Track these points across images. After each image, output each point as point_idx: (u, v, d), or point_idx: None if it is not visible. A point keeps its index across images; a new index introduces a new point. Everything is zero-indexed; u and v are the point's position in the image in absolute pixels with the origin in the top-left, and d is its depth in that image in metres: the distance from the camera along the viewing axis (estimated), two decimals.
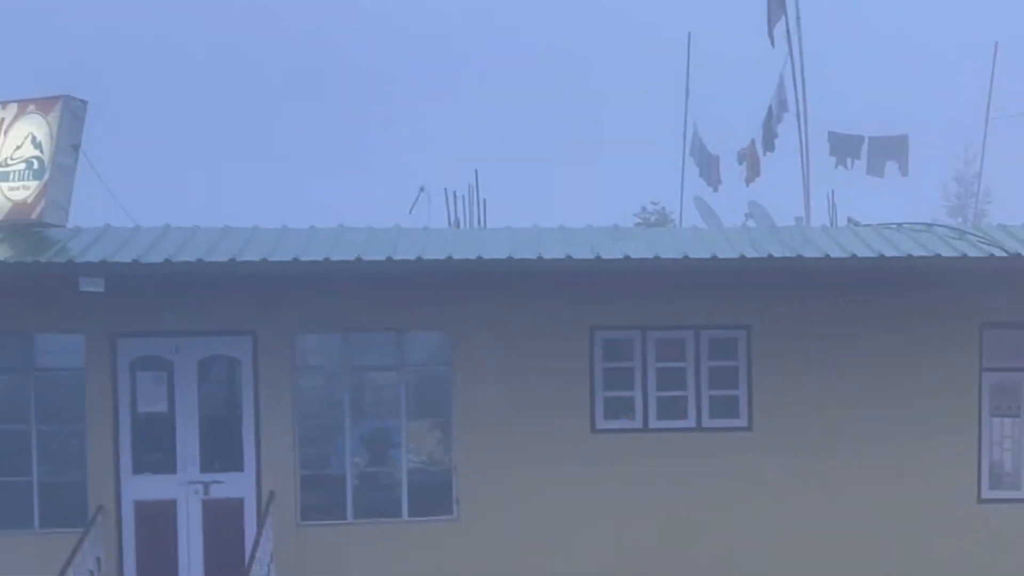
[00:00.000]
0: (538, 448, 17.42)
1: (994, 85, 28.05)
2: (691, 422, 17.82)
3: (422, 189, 23.09)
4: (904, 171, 26.53)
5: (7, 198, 17.10)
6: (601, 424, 17.68)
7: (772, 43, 25.86)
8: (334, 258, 15.95)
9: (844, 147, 26.66)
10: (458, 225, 22.06)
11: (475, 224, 22.28)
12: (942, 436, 17.87)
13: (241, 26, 64.26)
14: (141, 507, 17.40)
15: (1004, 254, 17.00)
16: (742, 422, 17.83)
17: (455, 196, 22.30)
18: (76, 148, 17.20)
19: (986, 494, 18.12)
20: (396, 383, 17.87)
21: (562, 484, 17.39)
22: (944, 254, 16.98)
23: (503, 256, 16.28)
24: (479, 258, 16.18)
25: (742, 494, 17.65)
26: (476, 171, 22.83)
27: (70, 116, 17.18)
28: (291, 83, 63.18)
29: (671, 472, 17.60)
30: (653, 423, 17.76)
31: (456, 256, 16.27)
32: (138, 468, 17.47)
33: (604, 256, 16.44)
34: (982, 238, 18.07)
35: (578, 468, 17.45)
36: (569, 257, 16.29)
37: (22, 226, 16.92)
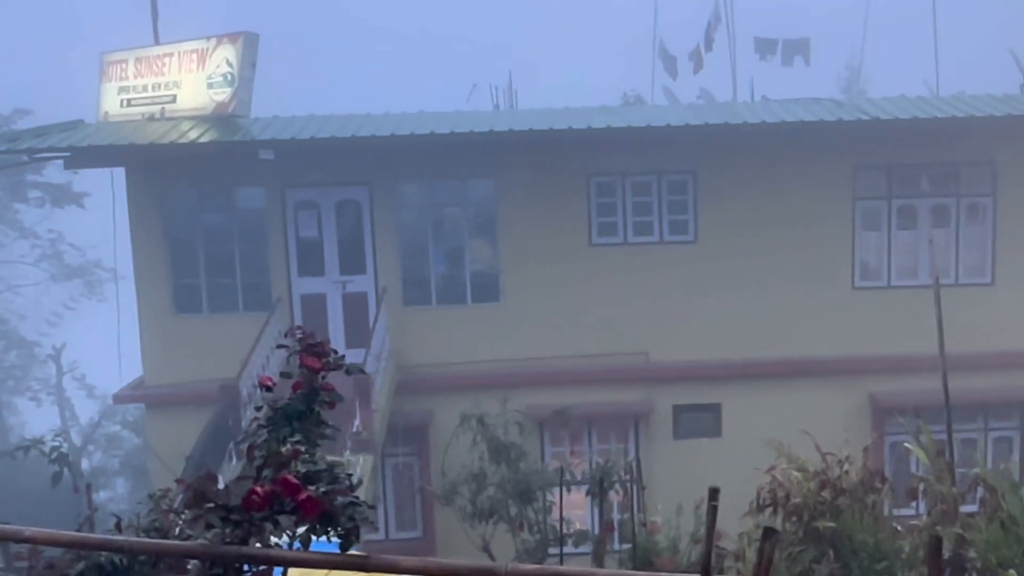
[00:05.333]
0: (555, 256, 18.97)
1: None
2: (655, 238, 19.29)
3: (475, 85, 24.29)
4: (807, 63, 27.60)
5: (212, 99, 18.93)
6: (596, 240, 19.25)
7: None
8: (416, 132, 17.66)
9: (765, 47, 27.63)
10: (498, 108, 23.24)
11: (510, 107, 23.25)
12: (830, 243, 19.24)
13: None
14: (305, 298, 19.30)
15: (867, 117, 18.37)
16: (690, 238, 19.29)
17: (497, 89, 23.44)
18: (253, 65, 18.92)
19: (858, 284, 19.54)
20: (461, 214, 19.45)
21: (572, 280, 18.98)
22: (826, 118, 18.45)
23: (526, 128, 17.95)
24: (510, 130, 17.93)
25: (690, 286, 19.06)
26: (510, 72, 24.00)
27: (249, 44, 18.86)
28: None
29: (642, 272, 19.03)
30: (631, 239, 19.27)
31: (495, 129, 18.00)
32: (301, 273, 19.26)
33: (594, 126, 18.05)
34: (854, 107, 19.35)
35: (581, 269, 19.02)
36: (570, 127, 17.92)
37: (222, 118, 18.80)
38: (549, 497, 15.05)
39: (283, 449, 5.05)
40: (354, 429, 15.29)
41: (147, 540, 5.62)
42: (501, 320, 19.08)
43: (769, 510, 12.19)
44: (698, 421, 19.51)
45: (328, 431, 5.53)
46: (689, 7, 28.96)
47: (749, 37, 27.97)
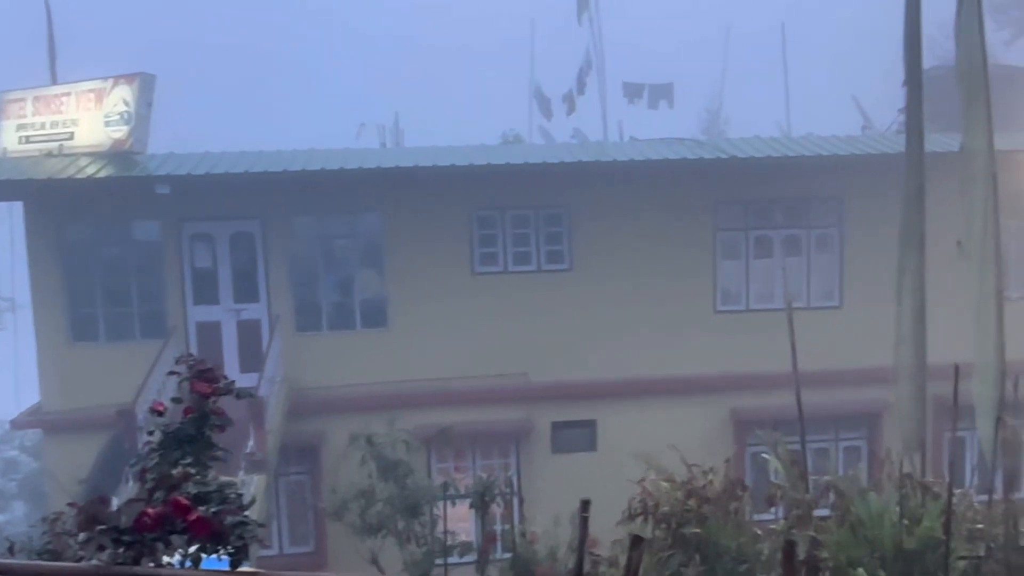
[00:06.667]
0: (440, 284, 18.88)
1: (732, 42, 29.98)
2: (533, 267, 19.34)
3: (362, 124, 24.25)
4: (671, 106, 27.98)
5: (110, 137, 18.56)
6: (478, 269, 19.20)
7: (579, 23, 27.19)
8: (307, 168, 17.53)
9: (633, 91, 27.98)
10: (385, 146, 23.19)
11: (396, 145, 23.21)
12: (694, 270, 19.49)
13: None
14: (200, 325, 18.85)
15: (726, 156, 18.72)
16: (566, 266, 19.37)
17: (384, 128, 23.34)
18: (150, 104, 18.62)
19: (719, 308, 19.87)
20: (351, 245, 19.21)
21: (456, 306, 18.89)
22: (688, 157, 18.71)
23: (411, 165, 17.87)
24: (396, 167, 17.84)
25: (566, 311, 19.17)
26: (396, 112, 23.99)
27: (145, 84, 18.57)
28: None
29: (521, 298, 19.10)
30: (511, 268, 19.26)
31: (382, 165, 17.90)
32: (196, 301, 18.79)
33: (475, 163, 18.05)
34: (714, 147, 19.64)
35: (465, 296, 18.98)
36: (453, 165, 17.90)
37: (119, 154, 18.39)
38: (435, 511, 14.93)
39: (174, 472, 4.93)
40: (248, 450, 14.98)
41: (39, 562, 5.41)
42: (389, 345, 18.91)
43: (640, 518, 12.27)
44: (575, 436, 19.50)
45: (218, 453, 5.42)
46: (562, 53, 29.42)
47: (618, 82, 28.41)
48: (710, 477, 12.59)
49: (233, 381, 5.55)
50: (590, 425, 19.50)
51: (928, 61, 12.91)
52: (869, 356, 18.75)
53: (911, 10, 10.08)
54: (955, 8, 9.69)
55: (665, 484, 12.45)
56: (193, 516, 4.59)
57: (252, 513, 5.16)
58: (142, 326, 18.75)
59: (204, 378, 5.41)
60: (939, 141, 17.06)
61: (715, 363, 19.27)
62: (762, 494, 13.31)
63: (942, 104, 17.10)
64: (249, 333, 18.90)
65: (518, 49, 30.24)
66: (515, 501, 13.89)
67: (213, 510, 4.70)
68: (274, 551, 18.35)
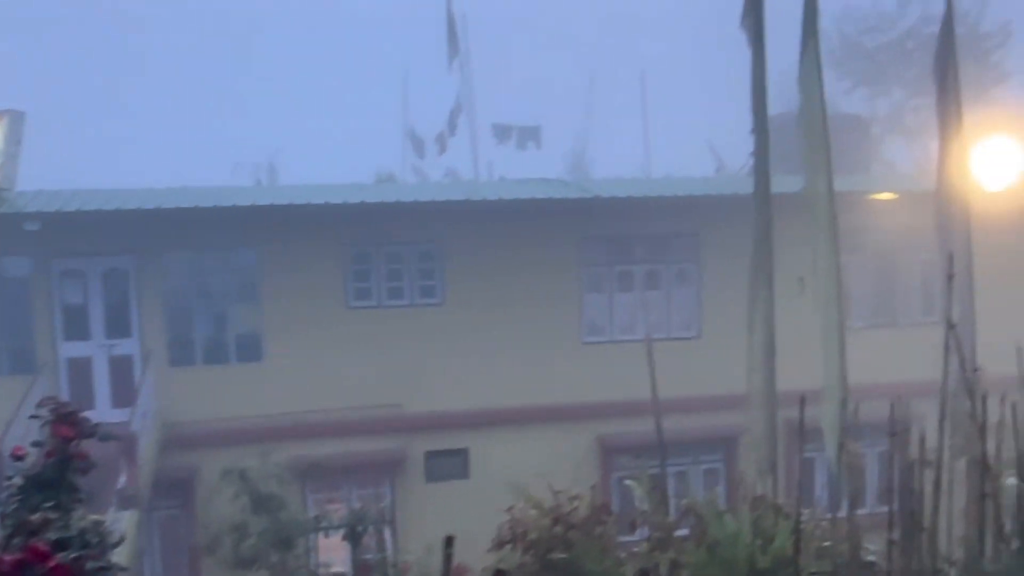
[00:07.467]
0: (315, 318, 18.57)
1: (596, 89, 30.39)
2: (407, 301, 19.20)
3: (236, 163, 23.94)
4: (539, 147, 28.33)
5: None
6: (352, 304, 18.95)
7: (449, 71, 27.11)
8: (181, 206, 17.14)
9: (502, 133, 28.23)
10: (260, 184, 22.78)
11: (271, 183, 22.88)
12: (561, 304, 19.59)
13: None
14: (71, 361, 18.17)
15: (590, 195, 18.98)
16: (438, 300, 19.28)
17: (259, 166, 23.09)
18: (19, 141, 18.07)
19: (586, 339, 19.94)
20: (226, 281, 18.77)
21: (330, 340, 18.61)
22: (554, 196, 18.94)
23: (286, 203, 17.71)
24: (271, 204, 17.63)
25: (439, 344, 19.06)
26: (270, 151, 23.72)
27: (14, 122, 18.09)
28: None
29: (395, 332, 18.93)
30: (384, 302, 19.07)
31: (257, 203, 17.69)
32: (68, 337, 18.11)
33: (348, 201, 17.90)
34: (579, 187, 20.06)
35: (339, 330, 18.72)
36: (327, 203, 17.76)
37: None
38: (310, 543, 14.66)
39: (33, 517, 4.70)
40: (120, 486, 14.49)
41: None
42: (264, 378, 18.49)
43: (508, 546, 12.23)
44: (448, 465, 19.36)
45: (81, 497, 5.19)
46: (435, 95, 29.48)
47: (489, 124, 28.53)
48: (576, 503, 12.64)
49: (97, 424, 5.33)
50: (462, 454, 19.39)
51: (776, 108, 13.34)
52: (726, 383, 18.96)
53: (757, 61, 10.41)
54: (798, 59, 10.04)
55: (533, 511, 12.45)
56: (52, 563, 4.38)
57: (122, 550, 4.96)
58: (10, 362, 18.03)
59: (66, 421, 5.18)
60: (788, 182, 17.57)
61: (582, 392, 19.36)
62: (629, 518, 13.43)
63: (789, 147, 17.73)
64: (122, 368, 18.29)
65: (392, 91, 30.23)
66: (388, 531, 13.72)
67: (73, 556, 4.49)
68: None
